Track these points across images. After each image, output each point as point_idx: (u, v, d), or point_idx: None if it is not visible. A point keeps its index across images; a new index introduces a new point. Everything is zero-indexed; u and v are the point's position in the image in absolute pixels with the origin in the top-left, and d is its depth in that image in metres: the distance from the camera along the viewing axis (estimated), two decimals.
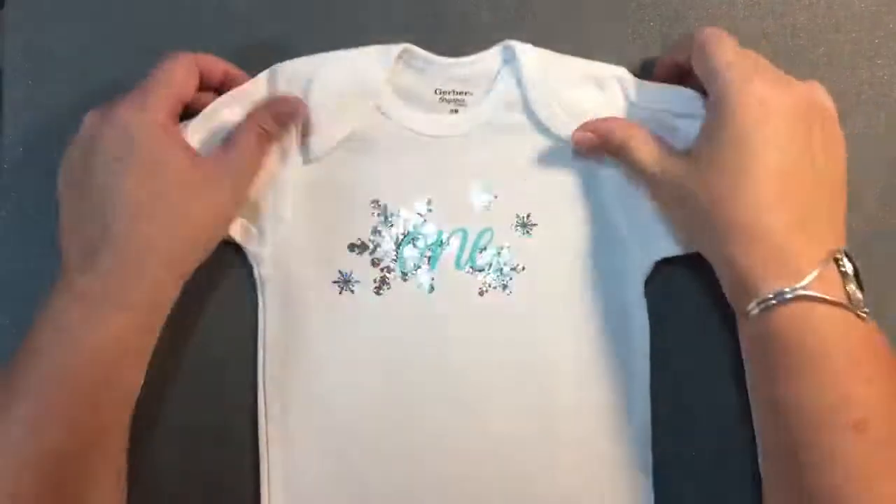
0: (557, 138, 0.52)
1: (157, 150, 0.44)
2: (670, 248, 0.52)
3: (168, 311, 0.46)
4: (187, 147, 0.46)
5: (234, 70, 0.51)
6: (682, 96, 0.51)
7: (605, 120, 0.50)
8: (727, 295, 0.46)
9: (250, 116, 0.49)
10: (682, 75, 0.50)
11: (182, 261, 0.46)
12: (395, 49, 0.51)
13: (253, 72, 0.52)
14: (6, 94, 0.54)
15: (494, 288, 0.52)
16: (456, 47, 0.54)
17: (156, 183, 0.44)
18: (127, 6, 0.55)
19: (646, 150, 0.48)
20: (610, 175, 0.52)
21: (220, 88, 0.50)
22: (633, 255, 0.52)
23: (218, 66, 0.50)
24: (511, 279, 0.52)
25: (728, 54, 0.45)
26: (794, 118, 0.43)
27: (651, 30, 0.56)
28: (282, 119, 0.49)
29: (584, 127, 0.50)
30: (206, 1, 0.55)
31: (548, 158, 0.52)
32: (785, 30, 0.56)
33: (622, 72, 0.52)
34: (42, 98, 0.54)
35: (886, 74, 0.56)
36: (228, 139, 0.48)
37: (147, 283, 0.44)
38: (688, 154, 0.47)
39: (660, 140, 0.49)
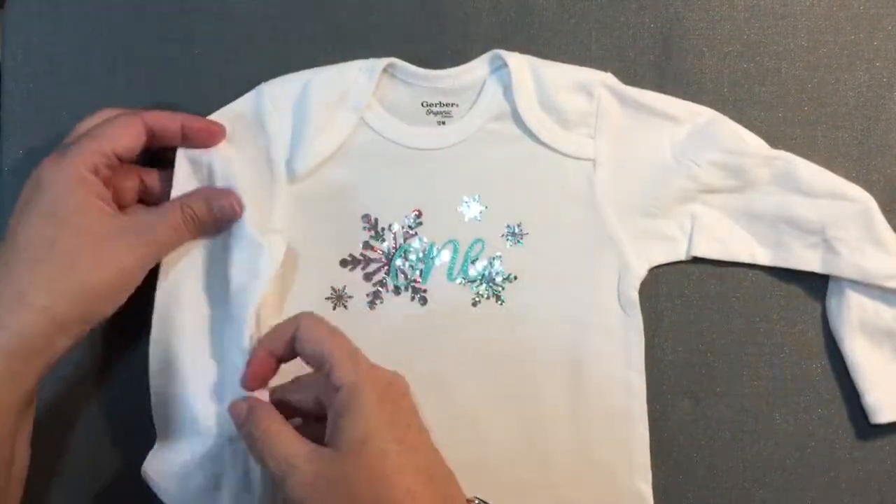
0: (546, 146, 0.52)
1: (62, 199, 0.44)
2: (663, 254, 0.52)
3: (51, 365, 0.44)
4: (100, 203, 0.45)
5: (193, 122, 0.49)
6: (664, 100, 0.52)
7: None
8: None
9: (186, 195, 0.48)
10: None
11: (64, 313, 0.43)
12: (380, 63, 0.52)
13: (252, 77, 0.52)
14: (6, 95, 0.54)
15: (487, 298, 0.52)
16: (457, 52, 0.54)
17: (51, 229, 0.43)
18: (127, 8, 0.55)
19: None
20: (601, 181, 0.52)
21: (182, 142, 0.49)
22: (626, 261, 0.51)
23: (173, 121, 0.48)
24: (504, 289, 0.52)
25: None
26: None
27: (652, 31, 0.55)
28: (215, 213, 0.48)
29: None
30: (207, 3, 0.55)
31: (537, 166, 0.52)
32: (785, 31, 0.55)
33: (609, 78, 0.52)
34: (42, 99, 0.54)
35: (885, 76, 0.55)
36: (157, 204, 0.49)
37: (16, 327, 0.41)
38: None
39: None
